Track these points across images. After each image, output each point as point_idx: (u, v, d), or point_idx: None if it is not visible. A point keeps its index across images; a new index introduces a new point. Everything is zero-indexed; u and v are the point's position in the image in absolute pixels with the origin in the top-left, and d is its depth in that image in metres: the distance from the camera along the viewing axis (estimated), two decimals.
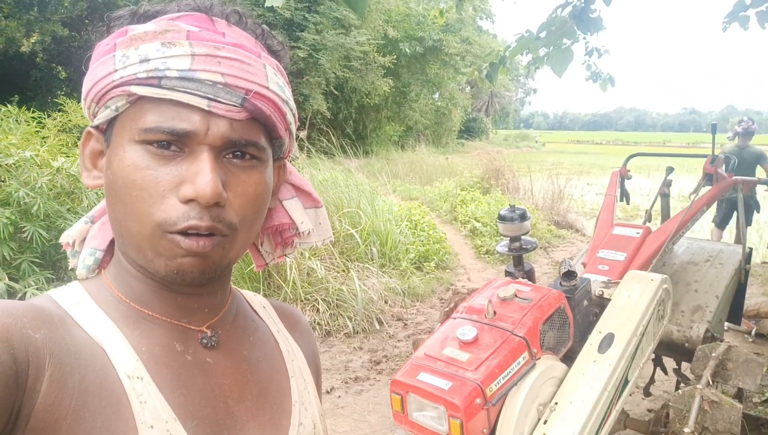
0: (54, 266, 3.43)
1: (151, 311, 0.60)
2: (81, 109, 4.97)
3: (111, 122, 0.58)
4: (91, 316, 0.58)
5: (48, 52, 14.23)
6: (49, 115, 4.73)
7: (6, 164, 3.37)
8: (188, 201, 0.54)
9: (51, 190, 3.49)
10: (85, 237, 0.67)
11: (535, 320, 1.60)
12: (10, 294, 2.95)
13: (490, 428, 1.43)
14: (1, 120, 4.13)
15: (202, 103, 0.54)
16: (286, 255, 0.79)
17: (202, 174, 0.53)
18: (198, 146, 0.55)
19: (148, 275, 0.60)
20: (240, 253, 0.62)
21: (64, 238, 0.67)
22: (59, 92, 13.64)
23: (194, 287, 0.62)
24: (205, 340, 0.63)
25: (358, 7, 1.32)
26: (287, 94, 0.62)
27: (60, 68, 14.88)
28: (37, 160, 3.53)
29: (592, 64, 5.01)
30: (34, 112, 4.53)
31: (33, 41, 13.47)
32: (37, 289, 3.01)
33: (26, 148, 3.59)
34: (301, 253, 4.89)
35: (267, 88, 0.58)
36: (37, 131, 4.24)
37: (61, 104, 5.13)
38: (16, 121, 4.24)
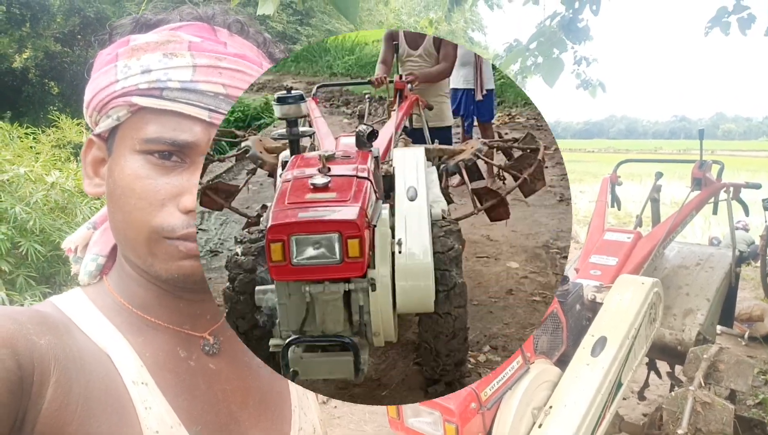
0: (49, 281, 3.42)
1: (154, 318, 0.61)
2: (75, 125, 4.96)
3: (112, 131, 0.59)
4: (94, 322, 0.58)
5: (40, 68, 14.21)
6: (43, 132, 4.73)
7: (0, 180, 3.37)
8: (189, 211, 0.54)
9: (46, 205, 3.49)
10: (87, 243, 0.67)
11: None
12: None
13: (486, 432, 1.44)
14: None
15: (204, 115, 0.54)
16: None
17: None
18: (199, 157, 0.55)
19: (150, 280, 0.60)
20: None
21: (67, 244, 0.68)
22: (52, 108, 13.57)
23: (196, 293, 0.62)
24: (207, 347, 0.63)
25: (350, 14, 1.34)
26: None
27: (52, 84, 14.86)
28: (32, 176, 3.53)
29: (582, 73, 5.08)
30: (27, 128, 4.53)
31: (25, 57, 13.48)
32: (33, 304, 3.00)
33: (20, 164, 3.59)
34: None
35: None
36: (31, 147, 4.24)
37: (55, 120, 5.15)
38: (9, 136, 4.24)
